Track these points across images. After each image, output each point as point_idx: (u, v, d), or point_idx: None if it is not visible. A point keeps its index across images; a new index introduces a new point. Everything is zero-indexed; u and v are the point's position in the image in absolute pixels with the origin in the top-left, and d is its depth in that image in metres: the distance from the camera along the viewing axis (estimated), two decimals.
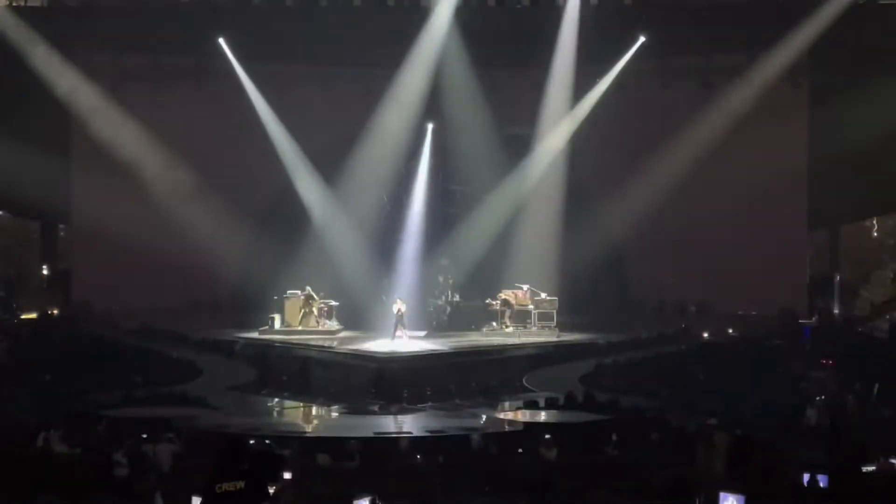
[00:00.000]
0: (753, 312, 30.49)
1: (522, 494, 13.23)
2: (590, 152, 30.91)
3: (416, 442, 17.54)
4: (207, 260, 29.81)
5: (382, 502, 10.99)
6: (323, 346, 25.64)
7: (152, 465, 14.16)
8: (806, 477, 11.61)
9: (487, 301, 27.87)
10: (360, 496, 10.64)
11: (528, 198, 30.65)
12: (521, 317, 27.43)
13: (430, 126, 30.65)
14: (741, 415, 18.57)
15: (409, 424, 20.00)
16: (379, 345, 25.29)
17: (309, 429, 21.11)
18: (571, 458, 15.52)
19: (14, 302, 30.31)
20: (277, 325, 27.20)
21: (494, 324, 27.61)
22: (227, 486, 7.69)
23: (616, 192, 31.36)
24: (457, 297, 29.03)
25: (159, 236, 30.21)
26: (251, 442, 13.35)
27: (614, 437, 16.38)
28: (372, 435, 18.32)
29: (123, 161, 30.21)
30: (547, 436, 16.11)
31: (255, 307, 28.76)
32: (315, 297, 27.21)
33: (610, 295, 31.92)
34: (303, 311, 27.15)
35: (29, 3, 28.83)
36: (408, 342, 25.55)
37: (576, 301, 29.02)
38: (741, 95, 30.25)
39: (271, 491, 8.53)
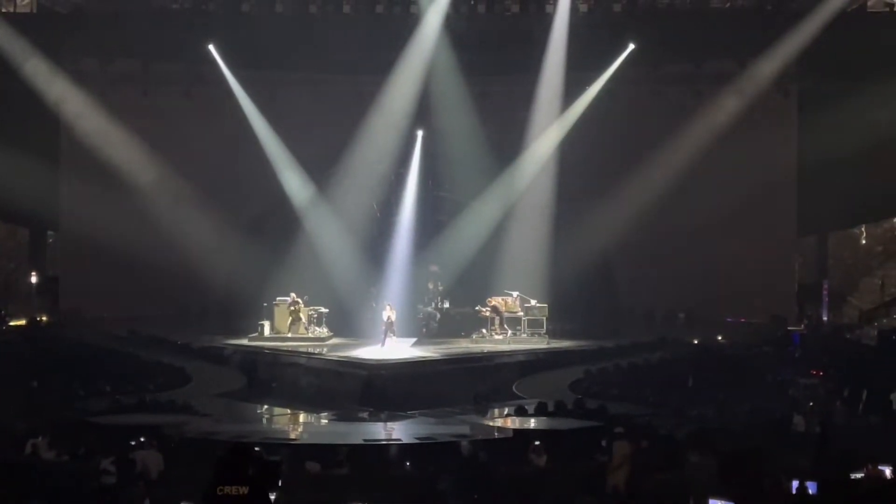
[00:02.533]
0: (742, 319, 30.57)
1: (512, 501, 13.24)
2: (579, 159, 30.95)
3: (405, 449, 17.53)
4: (197, 266, 29.78)
5: None
6: (312, 353, 25.59)
7: (140, 472, 14.11)
8: (795, 484, 11.62)
9: (477, 308, 27.86)
10: (350, 503, 10.65)
11: (517, 204, 30.68)
12: (510, 323, 27.43)
13: (419, 133, 30.65)
14: (730, 422, 18.62)
15: (398, 431, 19.97)
16: (368, 352, 25.25)
17: (298, 436, 21.06)
18: (561, 465, 15.52)
19: (2, 309, 30.17)
20: (267, 331, 27.14)
21: (484, 330, 27.59)
22: (229, 490, 7.70)
23: (605, 198, 31.40)
24: (446, 304, 29.02)
25: (148, 243, 30.17)
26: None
27: (603, 444, 16.37)
28: (361, 442, 18.30)
29: (112, 167, 30.19)
30: (536, 442, 16.11)
31: (244, 314, 28.69)
32: (300, 301, 27.13)
33: (599, 302, 31.91)
34: (291, 317, 27.10)
35: (18, 10, 28.80)
36: (397, 349, 25.50)
37: (565, 308, 29.00)
38: (730, 103, 30.37)
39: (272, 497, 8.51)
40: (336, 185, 30.77)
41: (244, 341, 27.03)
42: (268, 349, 26.17)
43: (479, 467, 14.78)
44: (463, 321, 28.54)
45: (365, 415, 21.76)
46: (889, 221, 34.77)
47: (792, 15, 27.63)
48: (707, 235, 30.66)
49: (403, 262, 29.98)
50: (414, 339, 27.43)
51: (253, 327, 27.41)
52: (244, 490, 7.71)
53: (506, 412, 21.53)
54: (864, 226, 33.71)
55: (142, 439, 15.30)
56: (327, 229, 30.28)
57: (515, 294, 27.57)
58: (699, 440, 15.21)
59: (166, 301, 30.88)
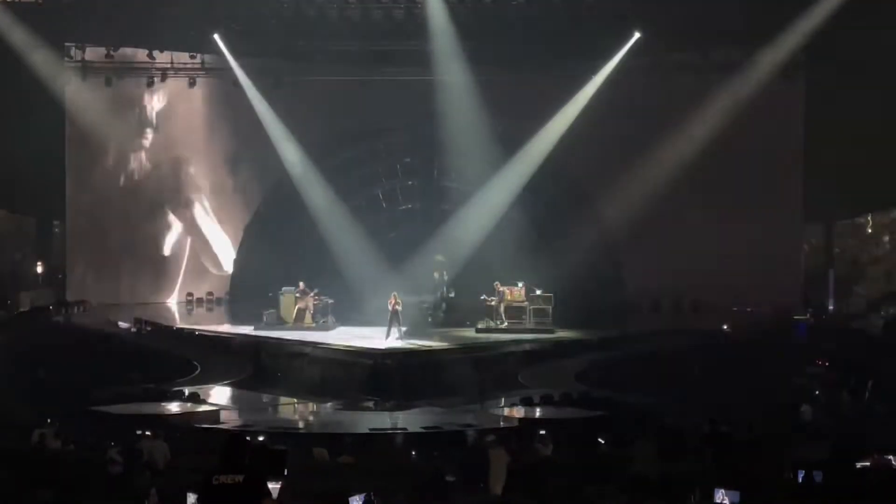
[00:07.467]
0: (748, 308, 30.53)
1: (518, 491, 13.23)
2: (584, 148, 30.91)
3: (411, 438, 17.55)
4: (203, 255, 29.82)
5: (378, 499, 10.99)
6: (318, 343, 25.58)
7: (147, 461, 14.13)
8: (801, 473, 11.62)
9: (482, 297, 27.79)
10: (355, 493, 10.64)
11: (522, 194, 30.65)
12: (516, 313, 27.36)
13: (424, 122, 30.58)
14: (736, 411, 18.60)
15: (404, 421, 19.99)
16: (374, 341, 25.23)
17: (304, 425, 21.10)
18: (567, 455, 15.51)
19: (9, 298, 30.23)
20: (273, 321, 27.12)
21: (490, 320, 27.55)
22: (224, 479, 7.68)
23: (611, 187, 31.36)
24: (452, 294, 28.96)
25: (154, 232, 30.24)
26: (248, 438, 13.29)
27: (609, 434, 16.38)
28: (367, 431, 18.33)
29: (118, 157, 30.20)
30: (542, 432, 16.10)
31: (250, 303, 28.69)
32: (309, 291, 27.11)
33: (605, 291, 31.88)
34: (298, 307, 27.07)
35: None
36: (402, 339, 25.48)
37: (571, 297, 28.95)
38: (737, 91, 30.26)
39: (273, 487, 8.50)
40: (342, 174, 30.76)
41: (250, 330, 27.00)
42: (274, 338, 26.17)
43: (484, 457, 14.76)
44: (468, 311, 28.46)
45: (371, 404, 21.79)
46: None
47: (799, 2, 27.49)
48: (713, 224, 30.65)
49: (409, 252, 29.99)
50: (419, 329, 27.38)
51: (259, 316, 27.39)
52: (239, 479, 7.70)
53: (511, 402, 21.50)
54: (870, 214, 33.63)
55: (148, 429, 15.33)
56: (333, 218, 30.28)
57: (521, 283, 27.50)
58: (705, 430, 15.22)
59: (172, 290, 30.93)
